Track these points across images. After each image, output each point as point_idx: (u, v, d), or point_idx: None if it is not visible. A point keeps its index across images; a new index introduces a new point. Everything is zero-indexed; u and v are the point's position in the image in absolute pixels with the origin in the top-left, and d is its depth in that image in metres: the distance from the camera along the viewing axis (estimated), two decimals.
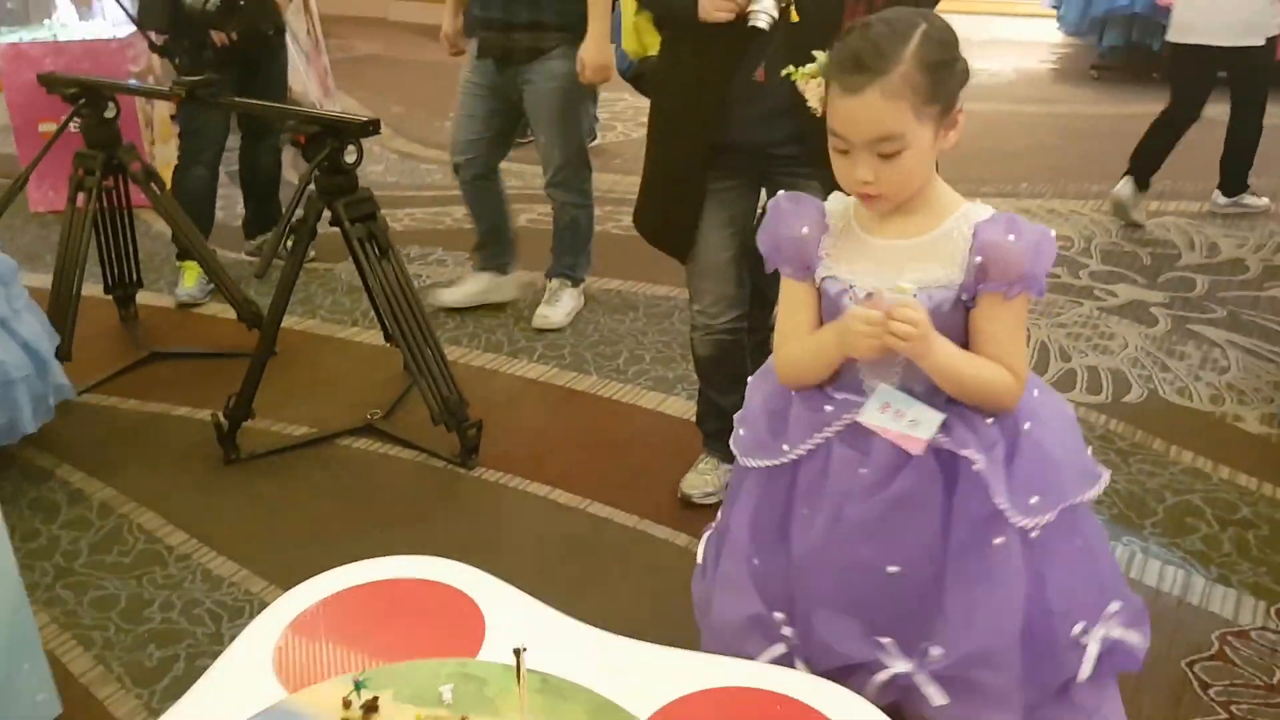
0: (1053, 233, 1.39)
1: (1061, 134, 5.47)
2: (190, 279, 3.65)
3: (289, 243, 2.68)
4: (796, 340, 1.49)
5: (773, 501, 1.51)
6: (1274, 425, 2.73)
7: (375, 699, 1.22)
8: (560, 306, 3.45)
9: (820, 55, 1.41)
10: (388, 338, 3.05)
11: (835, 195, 1.51)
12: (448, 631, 1.39)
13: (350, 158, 2.60)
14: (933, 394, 1.43)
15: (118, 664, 2.10)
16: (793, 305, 1.51)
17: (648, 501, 2.53)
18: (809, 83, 1.42)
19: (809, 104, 1.42)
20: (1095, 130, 5.46)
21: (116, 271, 3.41)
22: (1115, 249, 3.97)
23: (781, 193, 1.55)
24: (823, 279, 1.47)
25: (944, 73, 1.33)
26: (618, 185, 4.54)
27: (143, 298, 3.57)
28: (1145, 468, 2.58)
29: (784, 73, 1.48)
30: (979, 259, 1.37)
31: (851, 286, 1.44)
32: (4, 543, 1.84)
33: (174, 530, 2.49)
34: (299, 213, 2.63)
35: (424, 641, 1.37)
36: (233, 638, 1.33)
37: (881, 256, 1.43)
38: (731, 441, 1.58)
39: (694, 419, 2.57)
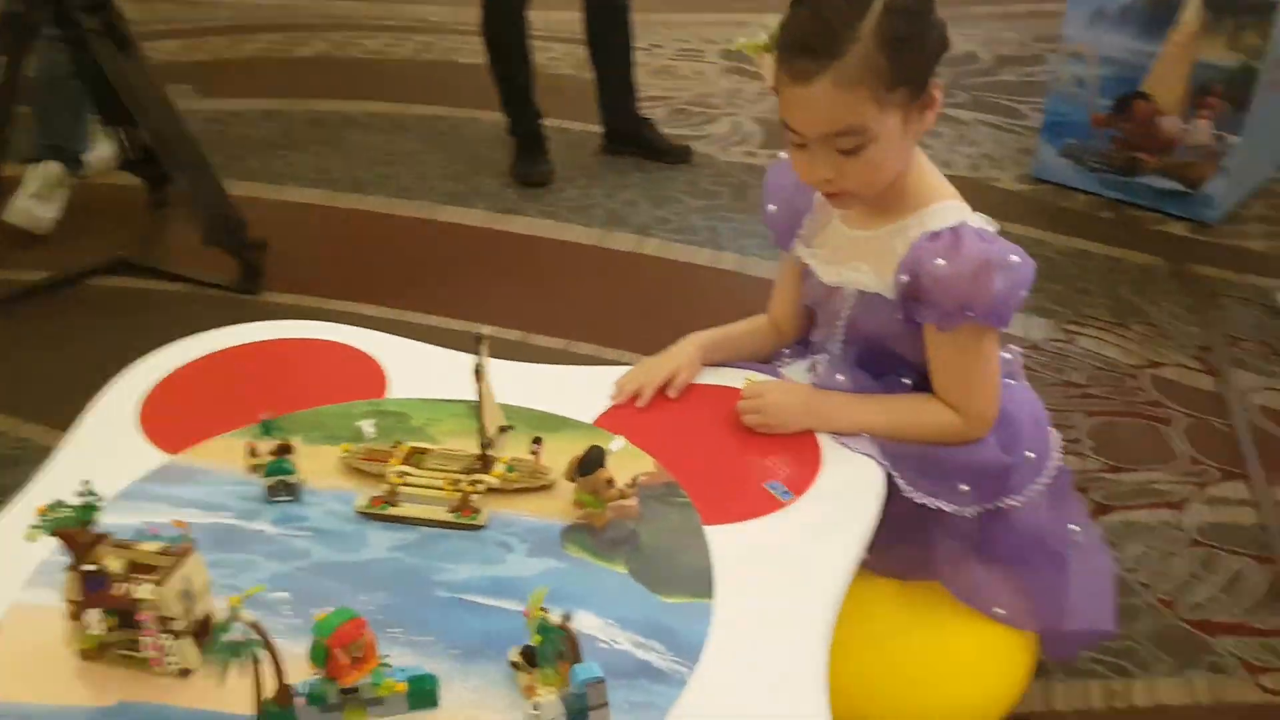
0: (1013, 257, 1.15)
1: None
2: None
3: None
4: (747, 321, 1.43)
5: None
6: (1027, 182, 3.12)
7: (287, 442, 1.11)
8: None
9: (771, 23, 1.17)
10: (128, 165, 2.71)
11: None
12: (345, 383, 1.29)
13: None
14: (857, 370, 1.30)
15: None
16: (781, 274, 1.41)
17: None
18: (763, 57, 1.16)
19: (764, 78, 1.18)
20: None
21: None
22: None
23: (772, 166, 1.38)
24: (797, 255, 1.35)
25: (912, 48, 1.10)
26: None
27: None
28: None
29: (733, 46, 1.28)
30: (904, 278, 1.18)
31: (811, 273, 1.32)
32: None
33: None
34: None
35: (319, 395, 1.26)
36: (10, 486, 1.16)
37: (838, 244, 1.28)
38: None
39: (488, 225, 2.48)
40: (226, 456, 1.16)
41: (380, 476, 1.11)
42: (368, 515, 1.08)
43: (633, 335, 2.15)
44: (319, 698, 0.83)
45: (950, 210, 1.18)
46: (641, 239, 2.79)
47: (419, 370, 1.33)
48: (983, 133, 3.45)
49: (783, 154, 1.29)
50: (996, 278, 1.12)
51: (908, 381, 1.25)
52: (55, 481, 1.10)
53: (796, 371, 1.31)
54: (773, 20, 1.15)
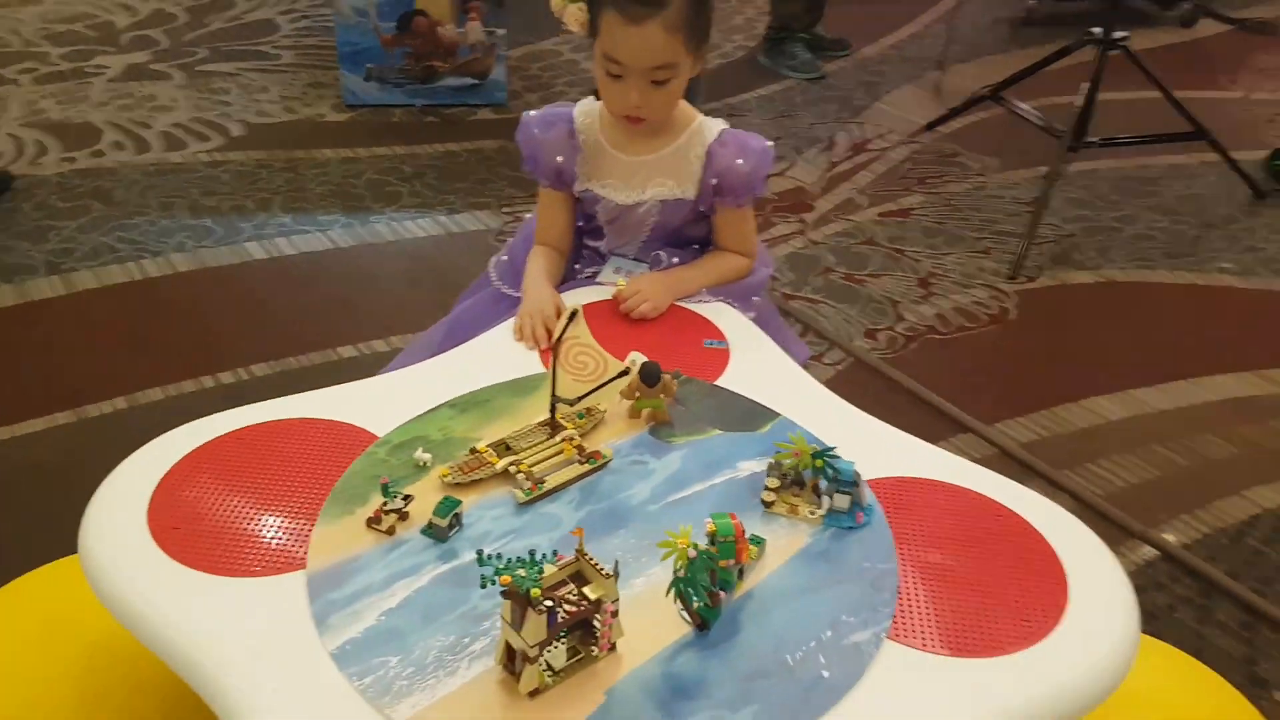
0: (770, 144, 1.62)
1: None
2: None
3: None
4: (540, 253, 1.67)
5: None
6: (343, 111, 3.49)
7: (408, 493, 1.18)
8: None
9: None
10: None
11: (581, 108, 1.64)
12: (334, 442, 1.31)
13: None
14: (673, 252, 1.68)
15: None
16: (549, 207, 1.69)
17: None
18: (565, 7, 1.49)
19: (568, 26, 1.50)
20: None
21: None
22: None
23: (530, 114, 1.66)
24: (580, 191, 1.66)
25: (706, 10, 1.50)
26: None
27: None
28: None
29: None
30: (714, 180, 1.60)
31: (602, 199, 1.64)
32: None
33: None
34: None
35: (327, 462, 1.27)
36: None
37: (627, 172, 1.63)
38: (493, 263, 1.80)
39: None
40: (354, 537, 1.16)
41: (482, 482, 1.23)
42: (533, 500, 1.22)
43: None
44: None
45: (708, 124, 1.62)
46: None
47: (378, 404, 1.38)
48: (300, 77, 3.69)
49: (533, 112, 1.61)
50: (767, 163, 1.62)
51: (696, 247, 1.71)
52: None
53: (639, 269, 1.66)
54: None
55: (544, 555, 0.99)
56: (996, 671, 1.06)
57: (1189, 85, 3.05)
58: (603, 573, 1.01)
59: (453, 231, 2.82)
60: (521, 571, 0.95)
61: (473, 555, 1.15)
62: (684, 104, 1.62)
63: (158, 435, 1.30)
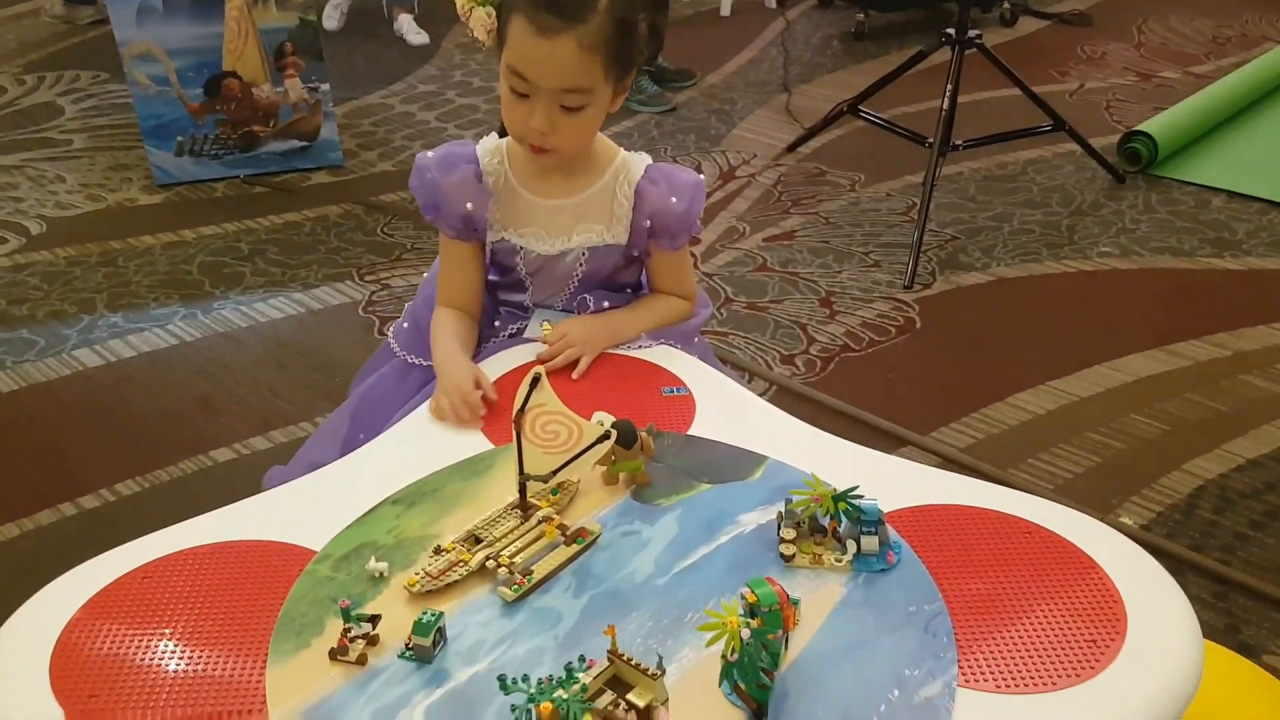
0: (701, 178, 1.50)
1: None
2: None
3: None
4: (447, 318, 1.50)
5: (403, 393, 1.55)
6: (157, 192, 3.25)
7: (374, 614, 1.02)
8: None
9: None
10: None
11: (485, 147, 1.47)
12: (272, 563, 1.13)
13: None
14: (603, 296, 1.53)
15: None
16: (455, 262, 1.52)
17: None
18: (471, 10, 1.32)
19: (473, 34, 1.32)
20: None
21: None
22: None
23: (426, 155, 1.47)
24: (495, 241, 1.50)
25: (632, 36, 1.34)
26: None
27: None
28: None
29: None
30: (647, 223, 1.47)
31: (522, 250, 1.49)
32: None
33: None
34: None
35: (266, 589, 1.10)
36: None
37: (548, 218, 1.48)
38: (393, 332, 1.64)
39: None
40: (319, 673, 0.99)
41: (457, 584, 1.08)
42: (524, 596, 1.06)
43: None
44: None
45: (632, 159, 1.48)
46: None
47: (303, 513, 1.20)
48: (99, 161, 3.42)
49: (429, 153, 1.47)
50: (700, 199, 1.48)
51: (629, 292, 1.58)
52: None
53: (561, 317, 1.52)
54: None
55: (576, 663, 0.86)
56: (1080, 701, 0.97)
57: (1029, 81, 3.15)
58: (647, 673, 0.88)
59: (313, 309, 2.61)
60: (561, 692, 0.81)
61: (469, 672, 1.00)
62: (604, 139, 1.49)
63: (22, 579, 1.09)
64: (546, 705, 0.80)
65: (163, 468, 2.02)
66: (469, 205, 1.46)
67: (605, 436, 1.12)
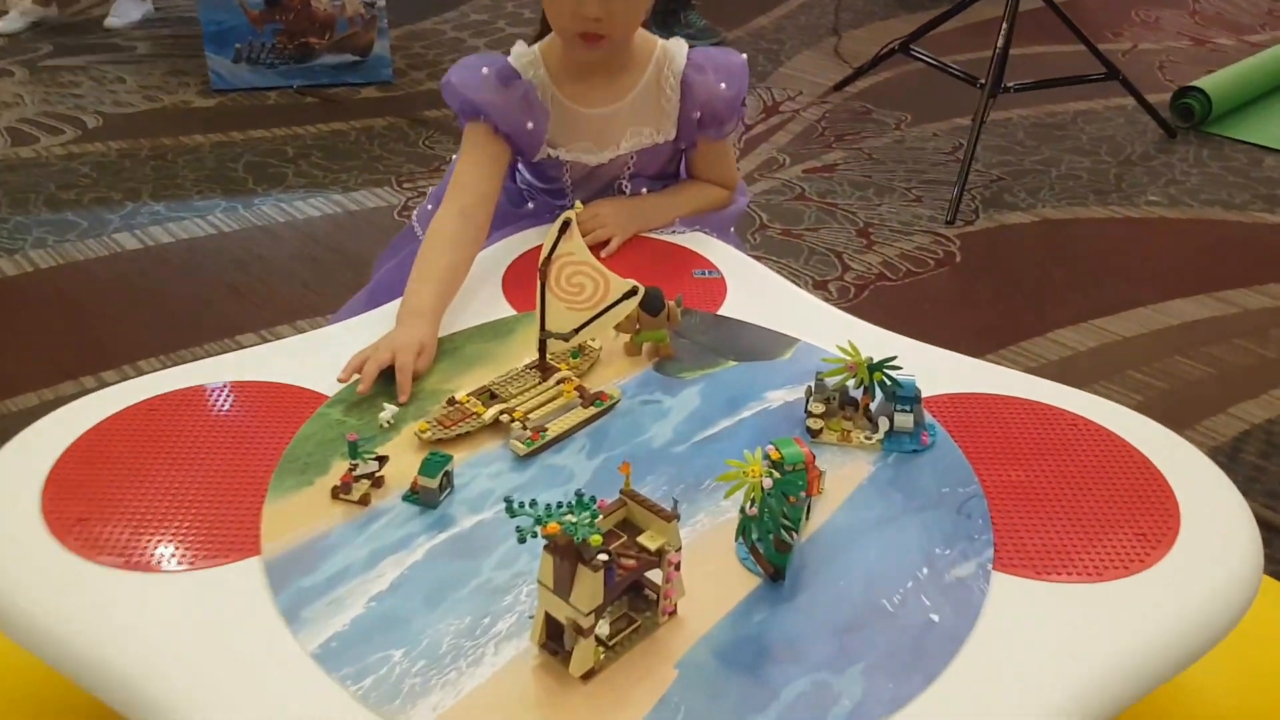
0: (744, 58, 1.38)
1: None
2: None
3: None
4: (445, 241, 1.25)
5: None
6: (212, 96, 3.15)
7: (381, 454, 0.94)
8: None
9: None
10: None
11: (519, 61, 1.32)
12: (286, 403, 1.05)
13: None
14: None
15: None
16: (482, 161, 1.32)
17: None
18: None
19: None
20: None
21: None
22: None
23: (469, 62, 1.32)
24: (539, 159, 1.37)
25: None
26: None
27: None
28: None
29: None
30: (697, 114, 1.35)
31: (569, 164, 1.38)
32: None
33: None
34: None
35: (276, 425, 1.02)
36: None
37: (598, 131, 1.36)
38: (417, 214, 1.52)
39: None
40: (318, 511, 0.91)
41: (469, 436, 0.99)
42: (536, 451, 0.98)
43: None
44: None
45: (672, 46, 1.36)
46: None
47: (319, 360, 1.11)
48: (159, 66, 3.33)
49: (469, 57, 1.33)
50: (746, 80, 1.37)
51: (668, 180, 1.47)
52: None
53: None
54: None
55: (592, 497, 0.77)
56: (1128, 594, 0.88)
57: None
58: (660, 514, 0.79)
59: (350, 209, 2.53)
60: (571, 517, 0.72)
61: (474, 520, 0.92)
62: (641, 30, 1.35)
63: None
64: (554, 525, 0.72)
65: (187, 348, 1.95)
66: (530, 125, 1.32)
67: (633, 292, 1.03)
